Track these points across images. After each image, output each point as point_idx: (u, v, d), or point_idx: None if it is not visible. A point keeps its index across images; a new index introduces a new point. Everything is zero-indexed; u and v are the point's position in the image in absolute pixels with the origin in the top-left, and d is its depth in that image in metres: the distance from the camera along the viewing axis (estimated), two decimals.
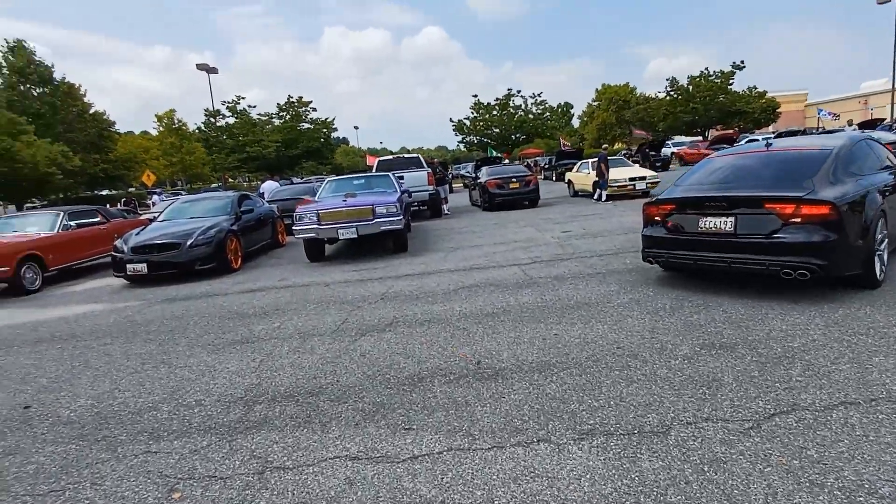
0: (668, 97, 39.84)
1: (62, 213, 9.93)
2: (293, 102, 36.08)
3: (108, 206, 25.87)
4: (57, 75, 36.03)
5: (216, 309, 6.33)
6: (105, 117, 40.12)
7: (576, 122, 64.49)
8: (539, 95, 39.73)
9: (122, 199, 21.68)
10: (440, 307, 5.45)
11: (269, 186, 16.78)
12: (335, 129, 38.51)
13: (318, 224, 8.63)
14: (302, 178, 33.81)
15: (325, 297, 6.40)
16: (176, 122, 53.16)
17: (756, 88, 40.73)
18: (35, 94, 35.12)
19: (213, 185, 44.01)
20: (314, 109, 36.75)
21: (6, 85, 33.79)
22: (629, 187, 15.54)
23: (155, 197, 32.37)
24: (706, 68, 37.30)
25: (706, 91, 36.50)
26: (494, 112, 39.05)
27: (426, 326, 4.84)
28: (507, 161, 26.16)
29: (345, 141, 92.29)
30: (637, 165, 18.70)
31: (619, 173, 16.00)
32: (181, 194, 46.75)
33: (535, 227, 11.18)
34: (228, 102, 35.36)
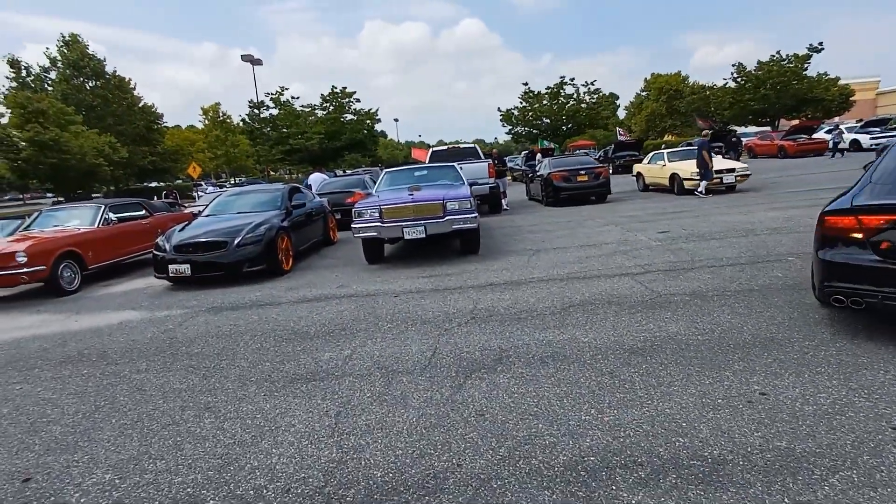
0: (734, 84, 36.80)
1: (103, 207, 9.17)
2: (337, 93, 35.29)
3: (154, 198, 25.74)
4: (109, 69, 36.64)
5: (270, 325, 5.25)
6: (153, 110, 40.67)
7: (621, 114, 61.68)
8: (592, 84, 37.54)
9: (164, 192, 21.16)
10: (558, 335, 4.17)
11: (316, 178, 15.85)
12: (379, 121, 37.67)
13: (381, 221, 7.48)
14: (344, 171, 33.12)
15: (400, 313, 5.22)
16: (221, 115, 53.87)
17: (827, 75, 37.23)
18: (88, 87, 35.77)
19: (242, 180, 43.58)
20: (358, 101, 35.91)
21: (61, 78, 34.50)
22: (715, 181, 13.76)
23: (208, 187, 31.71)
24: (777, 52, 34.13)
25: (779, 77, 33.39)
26: (545, 101, 37.12)
27: (552, 366, 3.56)
28: (539, 155, 24.45)
29: (383, 134, 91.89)
30: (720, 156, 16.80)
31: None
32: (225, 186, 47.08)
33: (620, 227, 9.71)
34: (272, 94, 34.97)
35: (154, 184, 42.64)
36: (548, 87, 37.31)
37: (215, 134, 51.92)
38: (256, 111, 36.18)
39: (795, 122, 33.12)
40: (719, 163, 14.41)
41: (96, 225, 8.82)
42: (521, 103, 38.32)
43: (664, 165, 15.52)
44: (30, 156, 25.54)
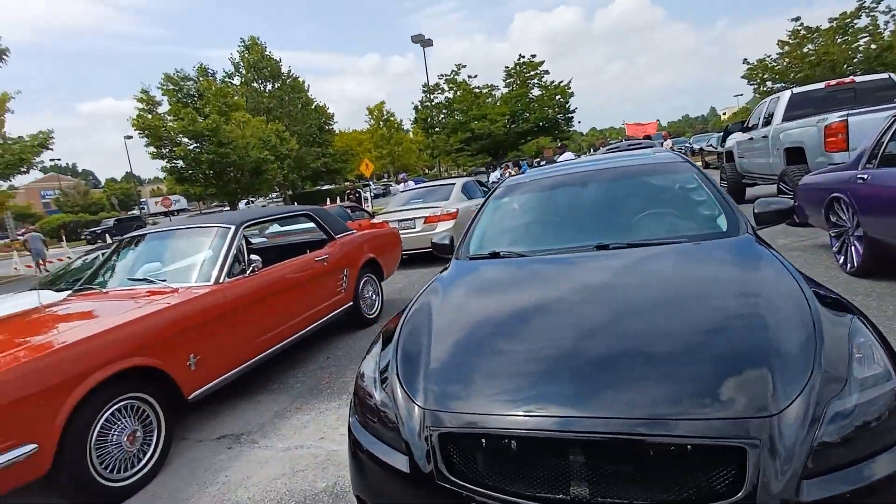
0: None
1: (232, 229, 3.72)
2: (523, 65, 28.97)
3: (327, 202, 21.32)
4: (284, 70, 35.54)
5: None
6: (326, 110, 39.21)
7: None
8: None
9: (346, 191, 16.54)
10: None
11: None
12: (572, 95, 30.40)
13: None
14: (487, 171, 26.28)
15: None
16: (385, 113, 51.87)
17: None
18: (266, 90, 34.99)
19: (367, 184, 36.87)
20: (547, 72, 29.04)
21: (242, 82, 34.05)
22: None
23: (402, 184, 22.20)
24: None
25: None
26: (821, 40, 25.51)
27: None
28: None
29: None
30: None
31: None
32: (391, 187, 44.03)
33: None
34: (446, 75, 30.12)
35: (327, 187, 41.31)
36: (831, 19, 25.53)
37: (381, 132, 50.05)
38: (430, 94, 31.46)
39: None
40: None
41: (217, 279, 3.39)
42: (783, 48, 27.01)
43: None
44: (186, 153, 22.23)
